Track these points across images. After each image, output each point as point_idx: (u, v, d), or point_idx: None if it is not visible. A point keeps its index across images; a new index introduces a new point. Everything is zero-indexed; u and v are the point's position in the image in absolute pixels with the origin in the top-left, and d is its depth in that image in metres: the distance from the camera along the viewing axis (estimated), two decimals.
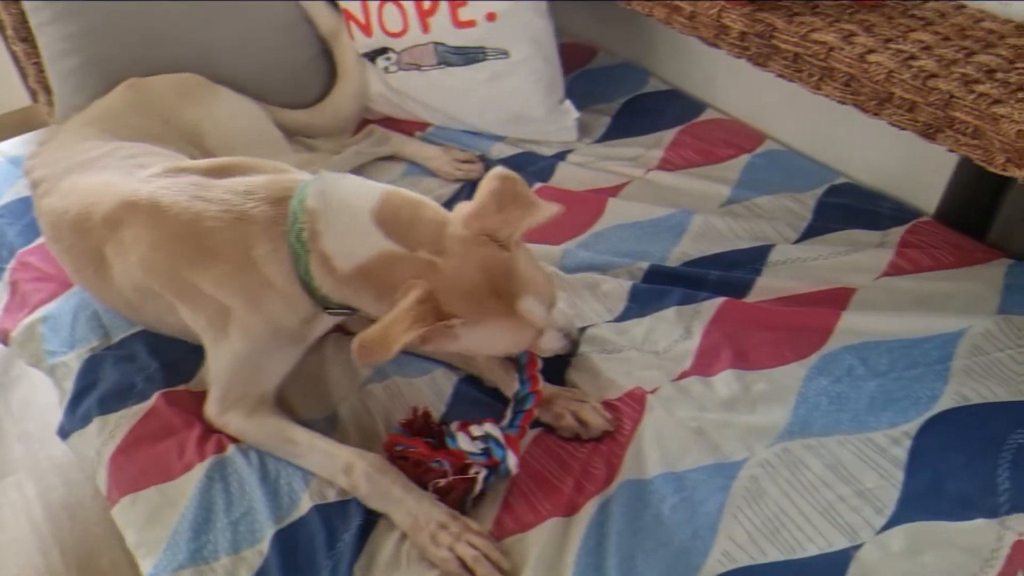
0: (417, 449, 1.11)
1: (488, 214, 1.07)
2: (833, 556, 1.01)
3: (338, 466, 1.11)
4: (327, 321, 1.22)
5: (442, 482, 1.08)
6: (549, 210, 1.09)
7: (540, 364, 1.18)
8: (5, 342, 1.45)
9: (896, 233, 1.47)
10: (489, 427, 1.10)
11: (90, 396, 1.27)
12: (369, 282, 1.07)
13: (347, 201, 1.10)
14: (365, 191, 1.12)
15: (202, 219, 1.13)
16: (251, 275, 1.12)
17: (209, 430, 1.21)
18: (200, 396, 1.24)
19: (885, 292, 1.35)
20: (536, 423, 1.18)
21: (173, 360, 1.31)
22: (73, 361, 1.32)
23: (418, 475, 1.10)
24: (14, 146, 1.82)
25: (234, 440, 1.19)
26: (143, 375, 1.28)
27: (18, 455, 1.87)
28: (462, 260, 1.05)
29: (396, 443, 1.13)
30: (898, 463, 1.10)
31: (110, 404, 1.25)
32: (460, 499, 1.09)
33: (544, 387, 1.17)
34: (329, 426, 1.23)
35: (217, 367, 1.20)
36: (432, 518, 1.05)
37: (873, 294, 1.35)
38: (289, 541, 1.06)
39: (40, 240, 1.54)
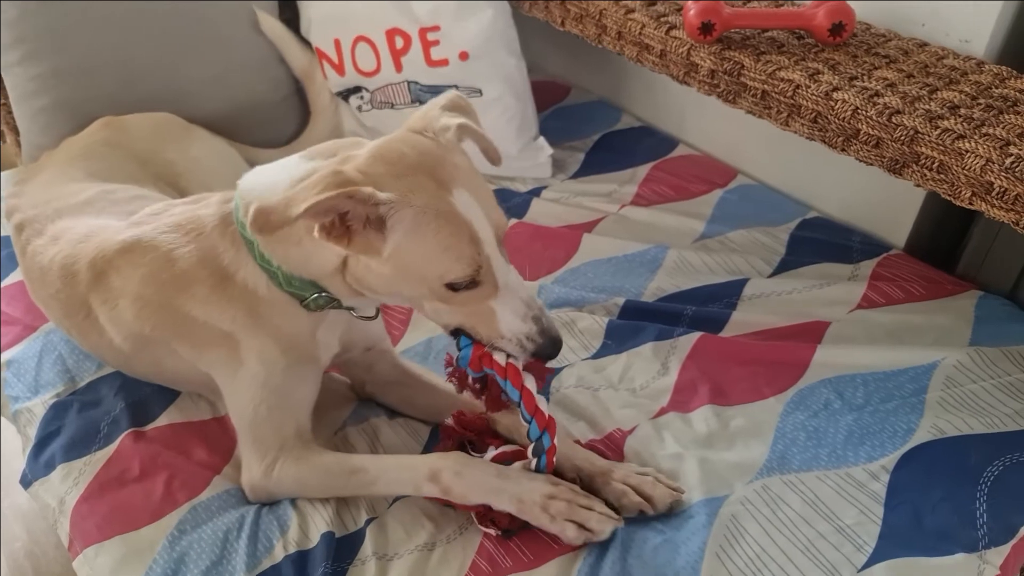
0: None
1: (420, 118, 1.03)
2: None
3: (422, 476, 1.07)
4: (329, 334, 1.16)
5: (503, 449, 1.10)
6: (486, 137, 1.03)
7: (535, 391, 1.05)
8: None
9: (867, 266, 1.49)
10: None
11: (54, 443, 1.23)
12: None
13: (277, 165, 1.05)
14: (295, 157, 1.06)
15: (175, 244, 1.11)
16: (231, 287, 1.08)
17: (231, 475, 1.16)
18: (167, 431, 1.21)
19: (859, 325, 1.36)
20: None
21: (139, 399, 1.28)
22: (37, 407, 1.29)
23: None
24: None
25: (268, 502, 1.13)
26: (108, 418, 1.25)
27: None
28: (388, 142, 0.98)
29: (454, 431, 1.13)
30: (877, 498, 1.09)
31: (74, 450, 1.21)
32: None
33: (598, 462, 1.12)
34: None
35: (239, 406, 1.12)
36: (537, 492, 1.04)
37: (847, 327, 1.36)
38: None
39: (6, 282, 1.51)
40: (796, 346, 1.33)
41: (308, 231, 0.98)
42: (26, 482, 1.22)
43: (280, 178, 1.01)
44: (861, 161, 1.15)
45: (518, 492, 1.05)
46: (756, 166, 1.81)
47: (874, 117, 1.10)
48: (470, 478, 1.06)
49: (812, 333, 1.36)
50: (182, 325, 1.13)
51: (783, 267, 1.52)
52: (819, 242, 1.57)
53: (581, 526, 1.03)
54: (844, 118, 1.13)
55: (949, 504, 1.07)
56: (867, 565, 1.02)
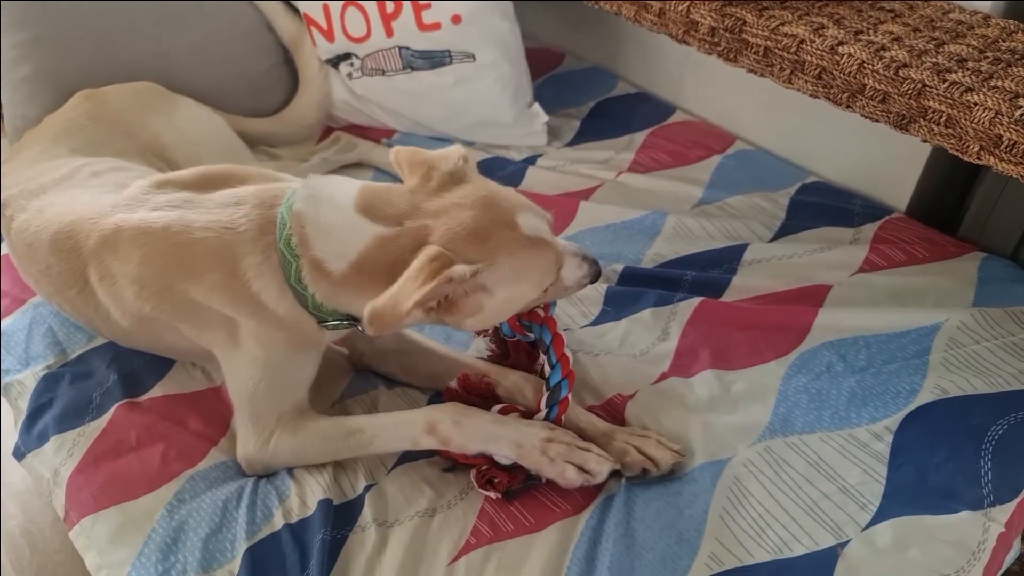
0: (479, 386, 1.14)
1: (428, 167, 1.06)
2: (820, 555, 0.99)
3: (420, 429, 1.07)
4: (331, 332, 1.15)
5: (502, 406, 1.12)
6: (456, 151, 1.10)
7: (565, 340, 1.13)
8: None
9: (869, 230, 1.47)
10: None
11: (47, 414, 1.21)
12: (367, 276, 1.01)
13: (332, 199, 1.06)
14: (345, 187, 1.09)
15: (191, 233, 1.08)
16: (241, 289, 1.06)
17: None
18: (162, 402, 1.19)
19: (861, 288, 1.35)
20: None
21: (132, 371, 1.26)
22: (28, 379, 1.26)
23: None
24: None
25: (265, 475, 1.12)
26: (101, 389, 1.23)
27: None
28: (449, 208, 1.02)
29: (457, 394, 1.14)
30: (881, 458, 1.08)
31: (68, 422, 1.19)
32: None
33: (600, 424, 1.13)
34: None
35: (238, 384, 1.12)
36: (535, 437, 1.05)
37: (849, 290, 1.35)
38: (260, 560, 1.01)
39: None
40: (797, 310, 1.32)
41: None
42: (19, 454, 1.20)
43: (342, 232, 1.03)
44: (867, 117, 1.13)
45: (517, 437, 1.05)
46: (755, 132, 1.79)
47: (881, 71, 1.08)
48: (468, 427, 1.06)
49: (814, 297, 1.34)
50: (183, 307, 1.11)
51: (783, 232, 1.51)
52: (820, 206, 1.55)
53: (580, 469, 1.03)
54: (850, 73, 1.10)
55: (953, 463, 1.06)
56: (871, 523, 1.01)
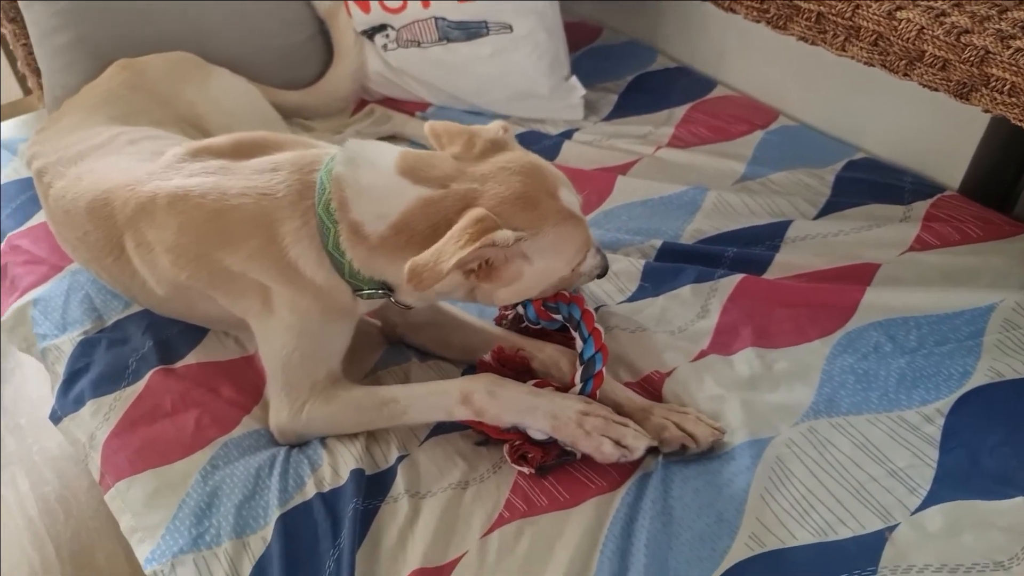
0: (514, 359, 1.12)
1: (469, 135, 1.06)
2: (866, 538, 0.95)
3: (454, 399, 1.05)
4: (369, 303, 1.13)
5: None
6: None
7: (595, 315, 1.12)
8: None
9: (920, 207, 1.42)
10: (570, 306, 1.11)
11: (83, 379, 1.21)
12: (407, 238, 0.99)
13: (372, 161, 1.04)
14: (386, 150, 1.07)
15: (227, 200, 1.07)
16: (278, 256, 1.05)
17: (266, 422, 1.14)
18: (196, 370, 1.19)
19: (911, 267, 1.30)
20: None
21: (167, 338, 1.26)
22: (65, 344, 1.27)
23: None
24: (4, 130, 1.77)
25: (297, 444, 1.12)
26: (136, 355, 1.23)
27: (11, 449, 1.82)
28: (496, 172, 1.01)
29: (491, 367, 1.12)
30: (931, 441, 1.04)
31: (104, 387, 1.19)
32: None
33: (637, 399, 1.10)
34: None
35: (272, 352, 1.11)
36: (571, 409, 1.03)
37: (898, 269, 1.30)
38: (292, 527, 1.00)
39: (31, 223, 1.49)
40: (844, 288, 1.27)
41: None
42: (55, 418, 1.21)
43: (383, 193, 1.02)
44: (925, 86, 1.08)
45: (553, 408, 1.03)
46: (799, 107, 1.73)
47: (941, 37, 1.03)
48: (503, 398, 1.04)
49: (861, 275, 1.30)
50: (218, 275, 1.10)
51: (829, 209, 1.46)
52: (868, 183, 1.49)
53: (617, 443, 1.01)
54: (908, 39, 1.05)
55: (1008, 448, 1.02)
56: (921, 508, 0.97)
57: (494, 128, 1.10)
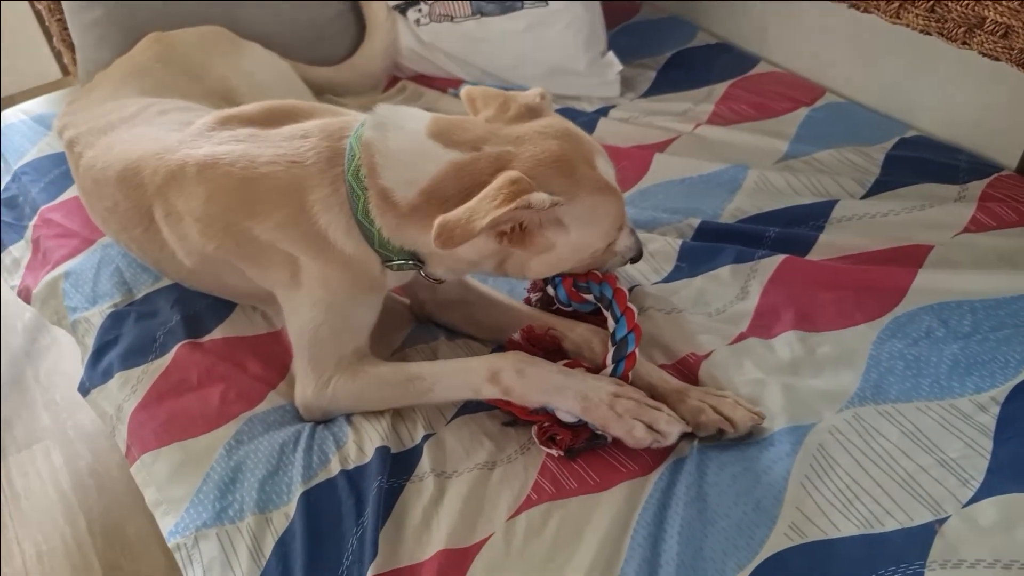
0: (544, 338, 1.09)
1: (504, 99, 1.03)
2: (915, 531, 0.90)
3: (482, 377, 1.02)
4: (398, 276, 1.11)
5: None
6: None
7: (628, 295, 1.08)
8: (27, 300, 1.40)
9: (976, 187, 1.35)
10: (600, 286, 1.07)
11: (111, 351, 1.21)
12: (438, 204, 0.95)
13: (402, 125, 1.02)
14: (417, 115, 1.04)
15: (256, 167, 1.04)
16: (308, 225, 1.03)
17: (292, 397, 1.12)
18: (222, 344, 1.18)
19: (966, 249, 1.23)
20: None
21: (195, 312, 1.25)
22: (95, 317, 1.27)
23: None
24: (39, 105, 1.78)
25: (323, 421, 1.10)
26: (164, 329, 1.22)
27: (45, 423, 1.84)
28: (532, 136, 0.98)
29: (521, 347, 1.09)
30: (985, 431, 0.98)
31: (132, 359, 1.19)
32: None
33: (673, 381, 1.06)
34: None
35: (299, 326, 1.08)
36: (603, 391, 0.99)
37: (952, 251, 1.23)
38: (316, 504, 0.98)
39: (64, 197, 1.49)
40: (893, 271, 1.21)
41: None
42: (84, 389, 1.20)
43: (413, 158, 0.98)
44: (985, 55, 1.02)
45: (583, 389, 0.99)
46: (847, 83, 1.66)
47: (1004, 1, 0.96)
48: (532, 376, 1.00)
49: (912, 257, 1.23)
50: (247, 246, 1.08)
51: (878, 188, 1.39)
52: (920, 162, 1.42)
53: (649, 427, 0.97)
54: (967, 4, 0.99)
55: None
56: (974, 500, 0.91)
57: (532, 93, 1.06)
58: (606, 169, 1.03)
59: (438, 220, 0.90)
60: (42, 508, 1.67)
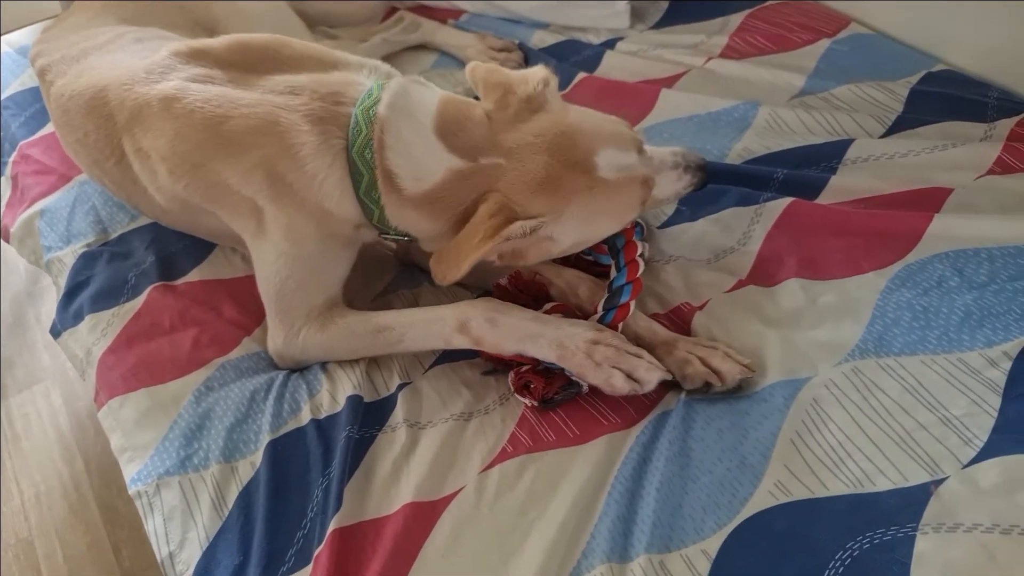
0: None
1: (505, 89, 0.97)
2: (909, 491, 0.84)
3: (450, 327, 0.98)
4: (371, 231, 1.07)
5: (549, 306, 1.03)
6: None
7: (640, 248, 1.04)
8: (6, 239, 1.37)
9: (1005, 126, 1.24)
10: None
11: (83, 293, 1.18)
12: (437, 208, 0.95)
13: (412, 112, 0.97)
14: (427, 99, 0.99)
15: (235, 108, 0.99)
16: (285, 170, 0.97)
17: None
18: (198, 287, 1.14)
19: (988, 193, 1.14)
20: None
21: (171, 254, 1.22)
22: (68, 257, 1.24)
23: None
24: (22, 36, 1.73)
25: (298, 369, 1.07)
26: (137, 271, 1.19)
27: (46, 364, 1.84)
28: (523, 148, 0.94)
29: (507, 292, 1.06)
30: (994, 388, 0.91)
31: (102, 302, 1.16)
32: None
33: (661, 331, 1.02)
34: None
35: (264, 277, 1.05)
36: (580, 338, 0.94)
37: (973, 195, 1.14)
38: (283, 454, 0.96)
39: (43, 132, 1.45)
40: (908, 215, 1.12)
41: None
42: (55, 332, 1.18)
43: (420, 156, 0.95)
44: None
45: (559, 336, 0.94)
46: (873, 12, 1.54)
47: None
48: (504, 325, 0.96)
49: (929, 201, 1.14)
50: (215, 189, 1.03)
51: (898, 126, 1.29)
52: (946, 97, 1.32)
53: (628, 376, 0.92)
54: None
55: None
56: (975, 461, 0.85)
57: (533, 80, 0.99)
58: (613, 160, 0.96)
59: (432, 261, 0.94)
60: (41, 448, 1.68)
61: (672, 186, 1.04)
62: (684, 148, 1.06)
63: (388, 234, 1.01)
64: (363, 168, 0.95)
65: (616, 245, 1.03)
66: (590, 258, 1.12)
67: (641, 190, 0.99)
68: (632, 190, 0.98)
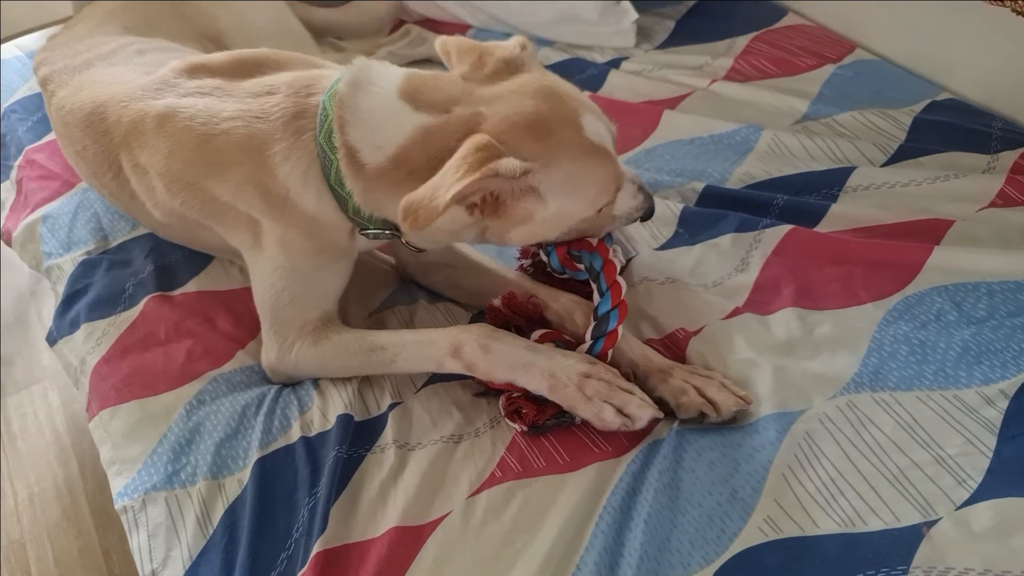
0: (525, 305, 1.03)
1: (480, 52, 0.96)
2: (900, 532, 0.83)
3: (443, 351, 0.96)
4: (365, 240, 1.06)
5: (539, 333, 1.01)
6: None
7: (618, 265, 1.01)
8: (9, 243, 1.37)
9: (1008, 157, 1.24)
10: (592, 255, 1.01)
11: (80, 301, 1.18)
12: (406, 172, 0.90)
13: (373, 82, 0.95)
14: (391, 72, 0.97)
15: (217, 123, 0.99)
16: (268, 183, 0.97)
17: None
18: (194, 298, 1.14)
19: (990, 225, 1.14)
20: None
21: (169, 263, 1.22)
22: (67, 264, 1.24)
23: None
24: (31, 41, 1.74)
25: (290, 384, 1.06)
26: (135, 280, 1.19)
27: (45, 363, 1.84)
28: (506, 95, 0.90)
29: (500, 314, 1.04)
30: (990, 427, 0.90)
31: (99, 310, 1.16)
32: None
33: (656, 359, 1.00)
34: None
35: (260, 290, 1.04)
36: (572, 370, 0.92)
37: (975, 227, 1.13)
38: (270, 471, 0.95)
39: (49, 137, 1.45)
40: (908, 246, 1.12)
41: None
42: (51, 339, 1.18)
43: (381, 121, 0.92)
44: (1019, 13, 0.90)
45: (551, 367, 0.93)
46: (879, 39, 1.54)
47: None
48: (496, 352, 0.94)
49: (930, 232, 1.14)
50: (210, 205, 1.03)
51: (901, 155, 1.29)
52: (949, 127, 1.31)
53: (619, 411, 0.91)
54: None
55: None
56: (968, 502, 0.84)
57: (510, 45, 0.98)
58: (596, 129, 0.94)
59: (403, 202, 0.83)
60: (37, 450, 1.68)
61: (628, 201, 1.02)
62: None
63: (368, 229, 0.98)
64: (330, 153, 0.93)
65: (594, 267, 1.01)
66: (565, 276, 1.10)
67: (615, 172, 0.97)
68: (610, 166, 0.96)
